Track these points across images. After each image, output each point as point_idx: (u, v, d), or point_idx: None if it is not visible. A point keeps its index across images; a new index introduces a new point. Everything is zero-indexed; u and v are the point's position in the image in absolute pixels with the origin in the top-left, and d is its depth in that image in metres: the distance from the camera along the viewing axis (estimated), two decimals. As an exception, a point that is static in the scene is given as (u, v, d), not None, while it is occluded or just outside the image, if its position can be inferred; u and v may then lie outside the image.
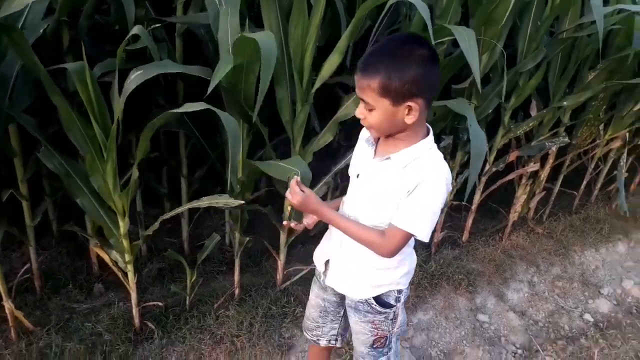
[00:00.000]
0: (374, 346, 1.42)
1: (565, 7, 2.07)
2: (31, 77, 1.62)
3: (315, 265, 1.46)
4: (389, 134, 1.18)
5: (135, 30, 1.38)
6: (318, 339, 1.57)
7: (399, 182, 1.15)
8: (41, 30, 1.61)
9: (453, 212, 2.90)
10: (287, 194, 1.24)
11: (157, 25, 1.63)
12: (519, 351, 2.21)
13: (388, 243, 1.17)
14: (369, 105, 1.12)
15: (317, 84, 1.65)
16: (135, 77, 1.38)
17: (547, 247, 2.76)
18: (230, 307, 2.06)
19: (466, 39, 1.45)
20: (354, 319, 1.42)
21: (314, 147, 1.83)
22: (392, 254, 1.19)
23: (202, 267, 2.39)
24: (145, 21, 1.72)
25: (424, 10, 1.36)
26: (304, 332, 1.62)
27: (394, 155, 1.17)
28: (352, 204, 1.30)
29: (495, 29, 1.98)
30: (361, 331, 1.41)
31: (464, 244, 2.72)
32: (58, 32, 1.75)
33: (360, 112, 1.17)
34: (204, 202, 1.45)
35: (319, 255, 1.44)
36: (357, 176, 1.28)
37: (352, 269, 1.34)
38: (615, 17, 2.18)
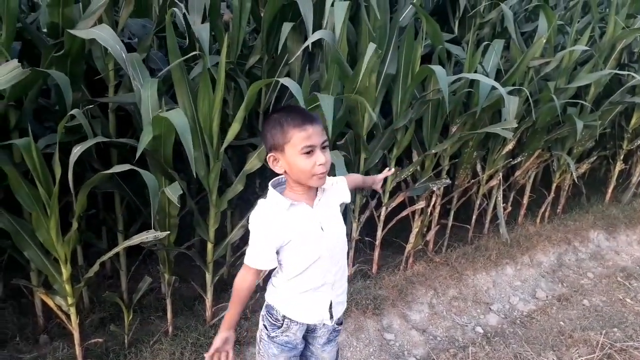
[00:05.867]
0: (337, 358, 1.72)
1: (424, 76, 2.63)
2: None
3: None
4: None
5: (73, 111, 1.76)
6: None
7: (338, 195, 1.55)
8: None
9: (364, 247, 3.35)
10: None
11: (91, 106, 2.02)
12: (419, 361, 2.59)
13: None
14: (325, 144, 1.35)
15: (225, 145, 2.07)
16: (77, 151, 1.75)
17: (444, 273, 3.21)
18: (164, 342, 2.34)
19: (326, 102, 1.93)
20: (332, 344, 1.66)
21: (228, 196, 2.23)
22: None
23: (140, 313, 2.66)
24: (81, 102, 2.11)
25: (294, 89, 1.82)
26: None
27: (330, 188, 1.49)
28: (333, 249, 1.48)
29: (372, 96, 2.51)
30: (333, 350, 1.68)
31: (374, 275, 3.13)
32: (5, 113, 2.10)
33: (327, 158, 1.34)
34: (135, 239, 1.78)
35: (315, 313, 1.54)
36: (322, 229, 1.44)
37: (345, 289, 1.61)
38: (467, 82, 2.79)
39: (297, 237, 1.41)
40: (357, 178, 1.89)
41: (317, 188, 1.44)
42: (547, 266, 3.66)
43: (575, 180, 3.95)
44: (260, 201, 1.44)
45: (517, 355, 2.65)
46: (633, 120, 4.23)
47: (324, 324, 1.58)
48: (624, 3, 3.74)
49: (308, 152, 1.31)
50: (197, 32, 2.04)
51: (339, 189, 1.57)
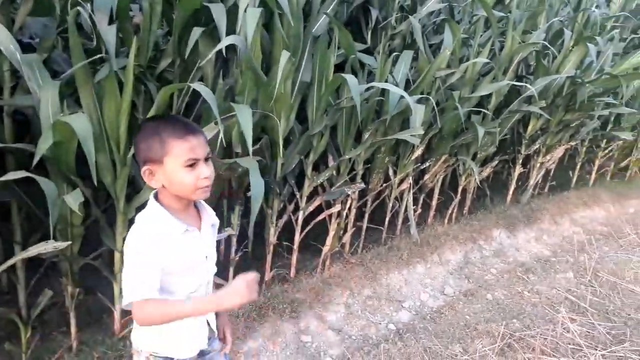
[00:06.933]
0: None
1: (337, 84, 2.70)
2: None
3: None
4: None
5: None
6: None
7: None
8: None
9: (282, 252, 3.37)
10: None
11: (-18, 108, 1.88)
12: (334, 361, 2.66)
13: None
14: (209, 155, 1.26)
15: (133, 150, 2.00)
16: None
17: (359, 273, 3.31)
18: (67, 357, 2.22)
19: (244, 113, 1.94)
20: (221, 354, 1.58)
21: (137, 203, 2.16)
22: None
23: (41, 329, 2.49)
24: (-29, 105, 1.95)
25: (207, 94, 1.81)
26: None
27: (212, 215, 1.41)
28: (210, 275, 1.43)
29: (287, 102, 2.55)
30: None
31: (292, 278, 3.17)
32: None
33: (211, 169, 1.26)
34: (32, 251, 1.68)
35: (198, 340, 1.45)
36: (207, 258, 1.37)
37: None
38: (379, 90, 2.90)
39: (183, 265, 1.30)
40: None
41: (196, 205, 1.38)
42: (455, 264, 3.89)
43: (478, 183, 4.23)
44: (142, 219, 1.28)
45: (427, 349, 2.80)
46: (530, 128, 4.62)
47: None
48: (521, 20, 4.08)
49: (191, 165, 1.21)
50: (103, 34, 1.96)
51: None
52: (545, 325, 3.12)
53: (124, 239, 2.20)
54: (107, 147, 2.01)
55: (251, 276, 1.18)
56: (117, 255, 2.24)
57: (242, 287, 1.16)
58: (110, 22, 2.14)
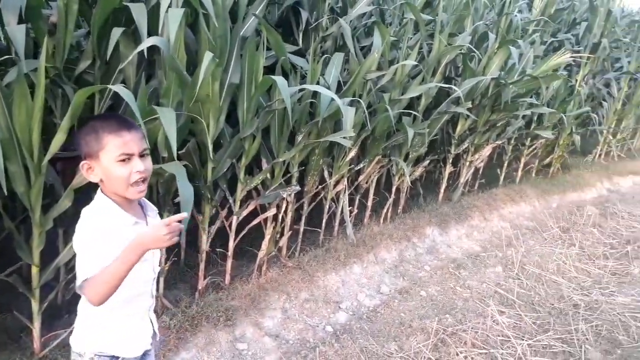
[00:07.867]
0: None
1: (267, 86, 2.67)
2: None
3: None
4: None
5: None
6: None
7: None
8: None
9: (217, 258, 3.30)
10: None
11: None
12: (271, 368, 2.62)
13: None
14: (145, 152, 1.31)
15: (47, 157, 1.88)
16: None
17: (296, 277, 3.29)
18: (-20, 383, 2.06)
19: (167, 116, 1.87)
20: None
21: (54, 214, 2.03)
22: None
23: (-49, 353, 2.30)
24: None
25: (128, 98, 1.73)
26: None
27: (154, 210, 1.48)
28: (155, 272, 1.46)
29: (216, 104, 2.49)
30: None
31: (227, 286, 3.10)
32: None
33: (147, 165, 1.31)
34: None
35: (143, 339, 1.48)
36: (153, 254, 1.42)
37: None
38: (311, 92, 2.90)
39: None
40: None
41: (140, 204, 1.42)
42: (390, 262, 3.96)
43: (409, 183, 4.33)
44: (90, 211, 1.30)
45: (364, 349, 2.82)
46: (458, 128, 4.79)
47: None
48: (448, 23, 4.22)
49: (124, 160, 1.26)
50: (11, 34, 1.83)
51: None
52: (476, 319, 3.24)
53: (42, 252, 2.08)
54: (19, 154, 1.87)
55: (174, 218, 1.16)
56: (34, 270, 2.09)
57: (162, 231, 1.14)
58: (22, 21, 2.01)
